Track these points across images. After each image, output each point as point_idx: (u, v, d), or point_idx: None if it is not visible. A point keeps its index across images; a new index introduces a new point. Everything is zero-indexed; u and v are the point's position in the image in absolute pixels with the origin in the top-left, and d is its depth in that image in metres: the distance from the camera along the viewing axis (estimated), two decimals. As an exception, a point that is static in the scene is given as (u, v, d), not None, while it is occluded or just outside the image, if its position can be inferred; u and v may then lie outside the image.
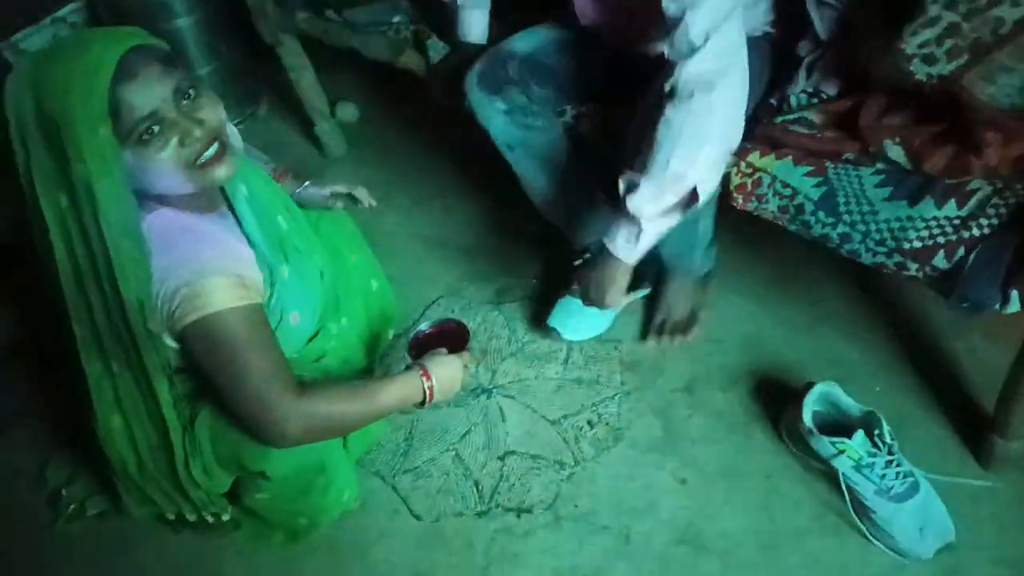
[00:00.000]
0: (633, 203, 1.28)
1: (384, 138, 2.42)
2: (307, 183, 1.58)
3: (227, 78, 2.34)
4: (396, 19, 1.83)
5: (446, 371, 1.32)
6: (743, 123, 1.27)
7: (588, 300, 1.48)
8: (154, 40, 1.11)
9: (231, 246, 1.22)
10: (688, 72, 1.20)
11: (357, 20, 1.86)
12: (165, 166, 1.10)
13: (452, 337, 1.42)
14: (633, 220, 1.30)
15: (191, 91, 1.11)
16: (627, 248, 1.34)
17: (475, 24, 1.69)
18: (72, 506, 1.60)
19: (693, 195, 1.26)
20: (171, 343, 1.18)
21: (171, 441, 1.29)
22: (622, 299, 1.46)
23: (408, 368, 1.32)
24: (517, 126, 1.56)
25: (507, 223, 2.05)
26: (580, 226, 1.71)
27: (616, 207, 1.34)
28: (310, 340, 1.44)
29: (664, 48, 1.25)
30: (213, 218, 1.24)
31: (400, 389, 1.27)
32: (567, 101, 1.62)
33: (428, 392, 1.29)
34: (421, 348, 1.41)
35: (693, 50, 1.19)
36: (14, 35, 2.20)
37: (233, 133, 1.22)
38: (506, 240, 2.03)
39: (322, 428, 1.21)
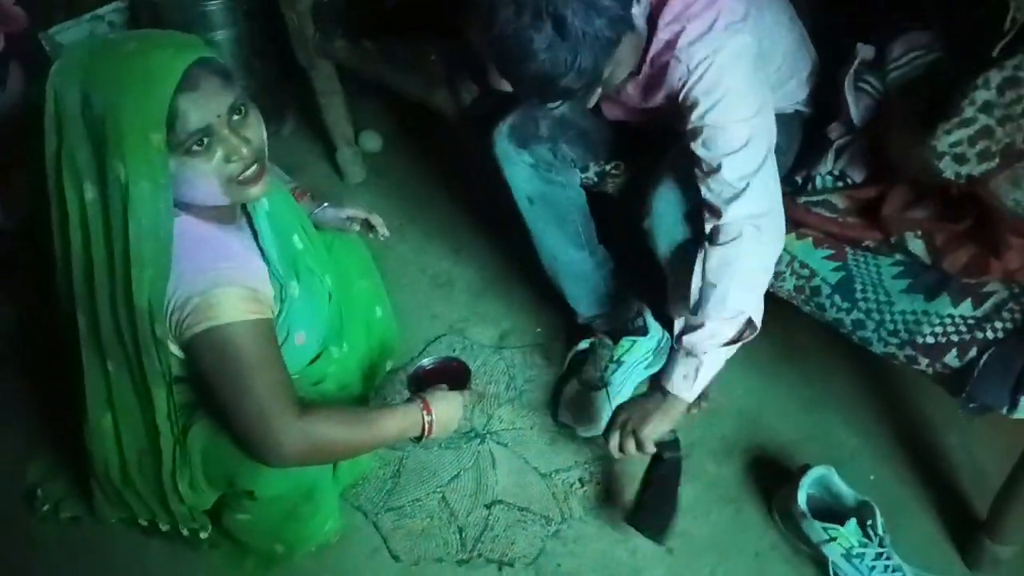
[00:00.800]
0: (691, 340, 1.28)
1: (404, 170, 2.43)
2: (326, 204, 1.59)
3: (257, 94, 2.34)
4: (432, 58, 1.85)
5: (447, 407, 1.31)
6: (782, 245, 1.30)
7: (621, 428, 1.37)
8: (214, 53, 1.13)
9: (247, 259, 1.22)
10: (735, 216, 1.23)
11: (394, 54, 1.88)
12: (207, 179, 1.11)
13: (453, 376, 1.41)
14: (690, 356, 1.29)
15: (243, 108, 1.12)
16: (685, 385, 1.30)
17: None
18: (46, 506, 1.58)
19: (749, 323, 1.28)
20: (176, 351, 1.17)
21: (160, 449, 1.27)
22: (665, 435, 1.36)
23: (409, 400, 1.31)
24: (540, 179, 1.57)
25: (517, 269, 2.04)
26: (585, 296, 1.73)
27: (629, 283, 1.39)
28: (311, 362, 1.43)
29: (702, 190, 1.27)
30: (231, 230, 1.24)
31: (400, 420, 1.27)
32: (593, 159, 1.63)
33: (427, 426, 1.28)
34: (421, 384, 1.40)
35: (735, 195, 1.22)
36: (52, 27, 2.22)
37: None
38: (514, 286, 2.03)
39: (319, 451, 1.20)
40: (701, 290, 1.27)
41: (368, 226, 1.60)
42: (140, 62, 1.04)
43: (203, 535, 1.43)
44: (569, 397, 1.71)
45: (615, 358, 1.67)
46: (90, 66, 1.07)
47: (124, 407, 1.27)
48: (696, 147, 1.25)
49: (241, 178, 1.14)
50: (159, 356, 1.17)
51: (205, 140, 1.09)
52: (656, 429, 1.33)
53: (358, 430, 1.23)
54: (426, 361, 1.47)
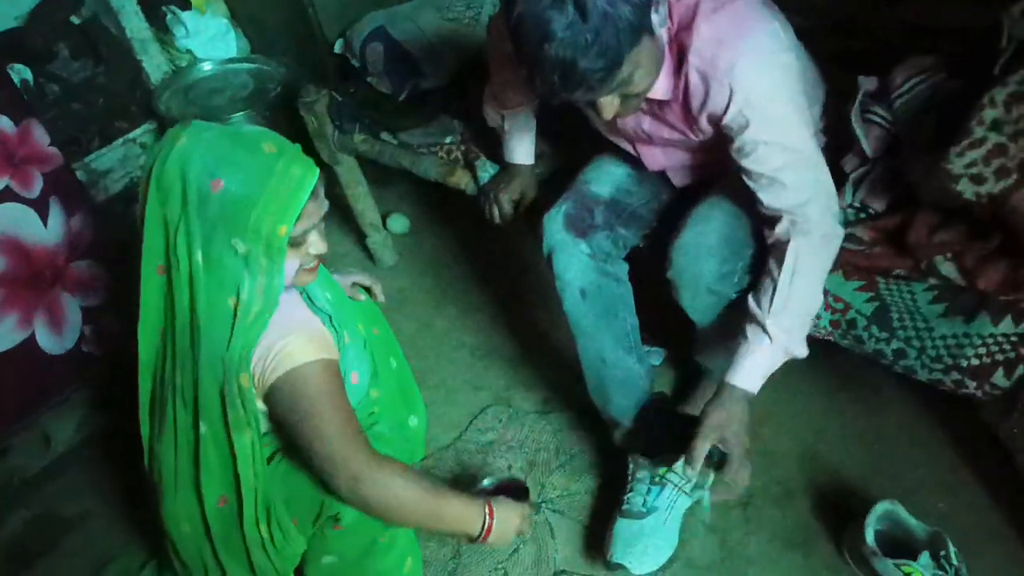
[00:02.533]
0: (775, 330, 1.29)
1: (433, 249, 2.49)
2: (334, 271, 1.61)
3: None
4: (448, 140, 1.91)
5: (508, 515, 1.35)
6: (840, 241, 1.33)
7: (726, 442, 1.35)
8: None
9: (307, 315, 1.34)
10: (806, 216, 1.27)
11: (411, 142, 1.94)
12: (292, 264, 1.24)
13: (513, 495, 1.42)
14: (763, 348, 1.30)
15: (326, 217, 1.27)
16: (752, 377, 1.33)
17: (521, 148, 1.74)
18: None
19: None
20: (261, 405, 1.26)
21: (242, 498, 1.31)
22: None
23: (476, 495, 1.35)
24: (596, 270, 1.53)
25: (554, 333, 2.06)
26: (633, 406, 1.63)
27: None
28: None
29: (759, 199, 1.30)
30: (286, 296, 1.32)
31: (464, 510, 1.30)
32: (647, 233, 1.62)
33: (486, 527, 1.31)
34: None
35: (803, 202, 1.26)
36: (87, 156, 2.34)
37: None
38: (553, 350, 2.04)
39: (383, 504, 1.24)
40: (776, 285, 1.28)
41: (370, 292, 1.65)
42: (284, 168, 1.17)
43: None
44: (617, 534, 1.54)
45: (656, 477, 1.54)
46: (227, 153, 1.16)
47: (208, 464, 1.31)
48: (748, 163, 1.26)
49: (311, 267, 1.29)
50: (243, 404, 1.24)
51: (306, 237, 1.23)
52: (746, 436, 1.35)
53: (423, 499, 1.26)
54: (487, 482, 1.49)
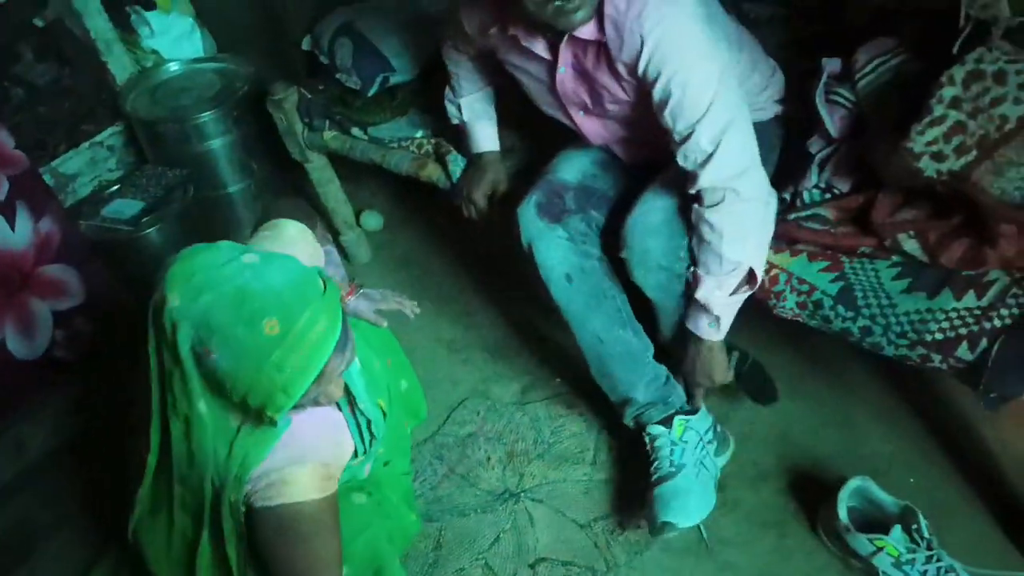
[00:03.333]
0: (701, 295, 1.38)
1: (407, 244, 2.49)
2: (359, 292, 1.54)
3: (257, 193, 2.43)
4: (418, 134, 1.91)
5: None
6: (775, 201, 1.37)
7: (699, 385, 1.56)
8: (339, 310, 1.11)
9: (326, 426, 1.25)
10: (710, 179, 1.30)
11: (381, 137, 1.94)
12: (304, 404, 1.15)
13: None
14: (707, 310, 1.40)
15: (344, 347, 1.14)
16: (713, 331, 1.43)
17: (484, 137, 1.76)
18: None
19: (752, 275, 1.36)
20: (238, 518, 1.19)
21: None
22: (729, 372, 1.54)
23: None
24: (577, 253, 1.55)
25: (530, 324, 2.07)
26: (640, 379, 1.61)
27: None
28: None
29: (678, 159, 1.32)
30: None
31: None
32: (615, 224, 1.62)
33: None
34: None
35: (708, 158, 1.28)
36: (54, 159, 2.31)
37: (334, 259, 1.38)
38: (529, 342, 2.05)
39: None
40: (699, 250, 1.37)
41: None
42: (281, 357, 1.03)
43: None
44: (656, 500, 1.52)
45: (675, 440, 1.55)
46: (218, 324, 1.04)
47: (203, 562, 1.28)
48: (666, 119, 1.30)
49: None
50: (233, 518, 1.19)
51: (319, 393, 1.12)
52: (721, 372, 1.51)
53: None
54: None
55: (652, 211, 1.44)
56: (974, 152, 1.24)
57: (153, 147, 2.36)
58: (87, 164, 2.40)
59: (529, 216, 1.55)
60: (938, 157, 1.25)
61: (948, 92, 1.24)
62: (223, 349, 1.03)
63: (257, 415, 1.09)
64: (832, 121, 1.46)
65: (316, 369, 1.06)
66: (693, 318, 1.45)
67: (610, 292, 1.58)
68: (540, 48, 1.40)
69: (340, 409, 1.32)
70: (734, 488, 1.63)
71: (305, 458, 1.16)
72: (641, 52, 1.27)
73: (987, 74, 1.23)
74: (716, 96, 1.26)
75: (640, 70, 1.30)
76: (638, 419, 1.62)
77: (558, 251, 1.54)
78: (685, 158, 1.31)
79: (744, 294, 1.39)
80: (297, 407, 1.12)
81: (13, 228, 1.77)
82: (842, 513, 1.41)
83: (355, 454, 1.34)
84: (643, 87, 1.33)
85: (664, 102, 1.29)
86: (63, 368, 1.91)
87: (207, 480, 1.17)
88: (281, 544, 1.16)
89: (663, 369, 1.62)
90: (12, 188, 1.75)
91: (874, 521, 1.43)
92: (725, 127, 1.27)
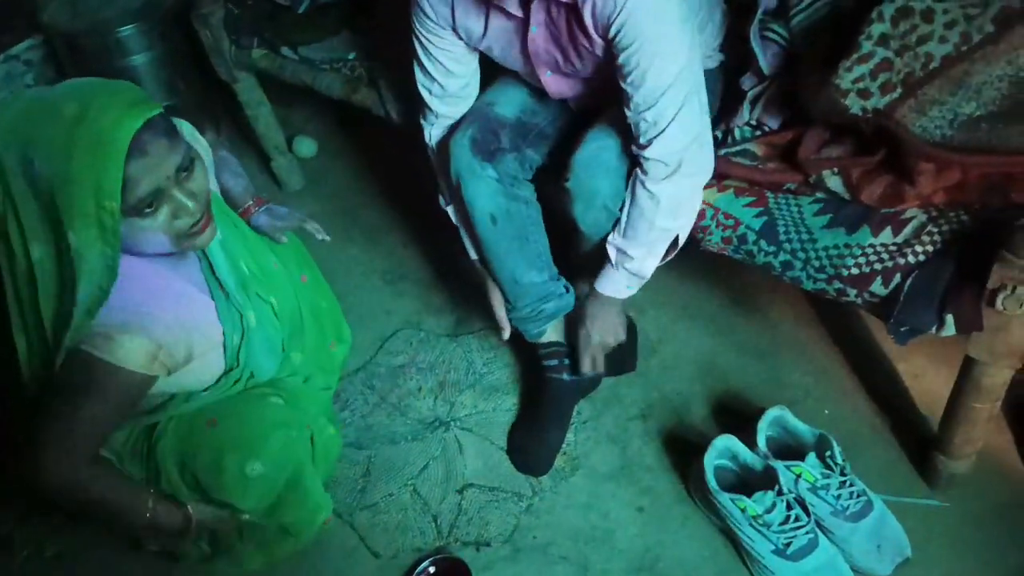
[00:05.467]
0: (631, 265, 1.44)
1: (341, 173, 2.43)
2: (264, 207, 1.53)
3: (184, 113, 2.32)
4: (351, 56, 1.85)
5: (206, 511, 1.34)
6: (711, 171, 1.38)
7: (603, 344, 1.59)
8: (155, 106, 1.10)
9: (179, 302, 1.24)
10: (657, 152, 1.31)
11: (313, 57, 1.87)
12: (155, 235, 1.13)
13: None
14: (633, 274, 1.45)
15: (189, 165, 1.13)
16: (629, 291, 1.50)
17: None
18: (26, 551, 1.58)
19: (675, 241, 1.42)
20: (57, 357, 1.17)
21: None
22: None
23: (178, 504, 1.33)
24: (504, 195, 1.52)
25: (463, 258, 2.06)
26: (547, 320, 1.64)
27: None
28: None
29: (630, 124, 1.33)
30: (170, 262, 1.25)
31: (150, 505, 1.28)
32: (552, 152, 1.61)
33: (186, 521, 1.32)
34: None
35: (660, 132, 1.29)
36: (-34, 73, 2.20)
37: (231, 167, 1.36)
38: (463, 273, 2.04)
39: (74, 500, 1.21)
40: (630, 215, 1.39)
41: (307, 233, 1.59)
42: (86, 132, 1.02)
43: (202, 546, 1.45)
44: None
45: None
46: (29, 131, 1.04)
47: None
48: (626, 87, 1.29)
49: (190, 231, 1.16)
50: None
51: (154, 202, 1.10)
52: (623, 328, 1.59)
53: (114, 494, 1.25)
54: (427, 563, 1.47)
55: (605, 150, 1.41)
56: (899, 90, 1.25)
57: (73, 62, 2.24)
58: (2, 79, 2.29)
59: (461, 150, 1.51)
60: (864, 94, 1.25)
61: (877, 29, 1.24)
62: (38, 150, 1.03)
63: (99, 238, 1.07)
64: (765, 58, 1.45)
65: (123, 138, 1.02)
66: (610, 281, 1.48)
67: (533, 237, 1.58)
68: (513, 7, 1.35)
69: (214, 300, 1.31)
70: (658, 417, 1.67)
71: (140, 330, 1.15)
72: (614, 18, 1.24)
73: (915, 12, 1.23)
74: (679, 76, 1.26)
75: (611, 34, 1.27)
76: (543, 348, 1.67)
77: (486, 190, 1.51)
78: (636, 127, 1.31)
79: (661, 257, 1.44)
80: (148, 239, 1.13)
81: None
82: (761, 441, 1.45)
83: (225, 351, 1.32)
84: (612, 51, 1.30)
85: (628, 72, 1.28)
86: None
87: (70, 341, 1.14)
88: (73, 388, 1.15)
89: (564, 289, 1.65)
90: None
91: (791, 449, 1.48)
92: (681, 104, 1.27)
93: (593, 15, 1.27)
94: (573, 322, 1.62)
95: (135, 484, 1.32)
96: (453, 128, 1.56)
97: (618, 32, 1.25)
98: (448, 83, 1.53)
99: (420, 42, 1.49)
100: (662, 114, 1.28)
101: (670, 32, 1.25)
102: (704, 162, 1.36)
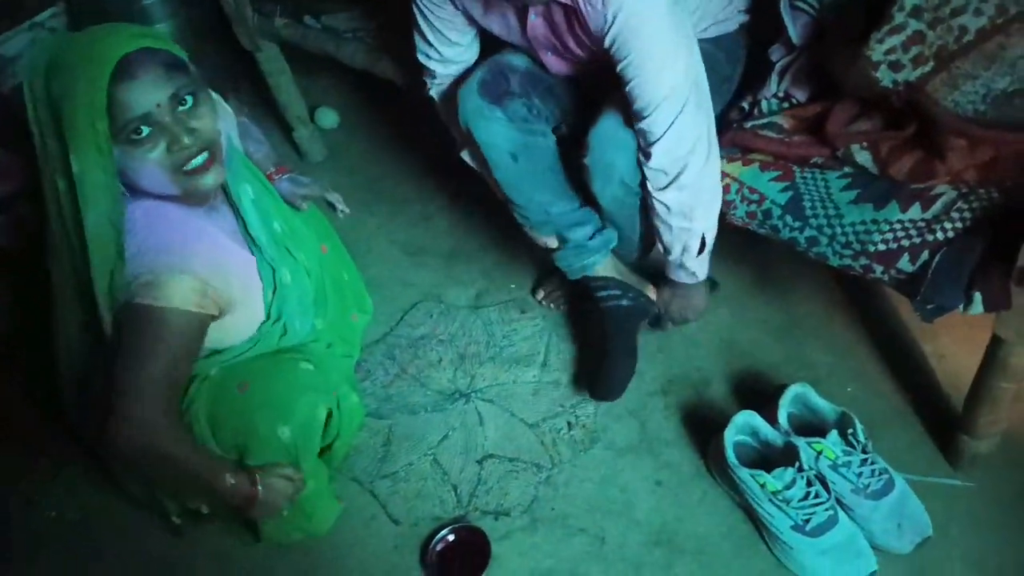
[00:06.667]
0: (674, 258, 1.51)
1: (364, 144, 2.43)
2: (287, 175, 1.55)
3: (207, 82, 2.34)
4: (374, 25, 1.84)
5: (275, 492, 1.32)
6: (718, 174, 1.40)
7: (683, 321, 1.68)
8: (168, 44, 1.13)
9: (215, 245, 1.24)
10: (658, 160, 1.33)
11: (336, 26, 1.87)
12: (150, 168, 1.13)
13: (474, 545, 1.47)
14: (679, 266, 1.53)
15: (188, 98, 1.13)
16: (693, 278, 1.56)
17: None
18: (52, 512, 1.61)
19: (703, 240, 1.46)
20: (107, 315, 1.18)
21: None
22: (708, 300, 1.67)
23: (246, 470, 1.31)
24: (519, 130, 1.50)
25: (486, 229, 2.06)
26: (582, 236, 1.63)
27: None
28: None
29: (636, 131, 1.35)
30: (200, 213, 1.26)
31: (229, 478, 1.27)
32: (562, 114, 1.60)
33: (250, 499, 1.30)
34: (442, 557, 1.47)
35: (658, 139, 1.31)
36: (-8, 40, 2.20)
37: (231, 133, 1.34)
38: (485, 246, 2.05)
39: (154, 458, 1.20)
40: (650, 218, 1.44)
41: (330, 205, 1.60)
42: (87, 51, 1.06)
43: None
44: None
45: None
46: (51, 57, 1.09)
47: None
48: (627, 90, 1.30)
49: (188, 168, 1.15)
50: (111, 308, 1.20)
51: (144, 129, 1.10)
52: (704, 305, 1.65)
53: (196, 458, 1.25)
54: (446, 531, 1.49)
55: (621, 126, 1.39)
56: (931, 63, 1.23)
57: (114, 23, 2.24)
58: (27, 46, 2.28)
59: (469, 94, 1.48)
60: (895, 67, 1.23)
61: (909, 1, 1.22)
62: (55, 74, 1.08)
63: (96, 165, 1.09)
64: (795, 28, 1.43)
65: (111, 57, 1.05)
66: (673, 272, 1.55)
67: (556, 167, 1.57)
68: None
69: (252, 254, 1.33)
70: (678, 392, 1.67)
71: (183, 268, 1.15)
72: (607, 29, 1.25)
73: (950, -18, 1.21)
74: (675, 88, 1.27)
75: (606, 45, 1.28)
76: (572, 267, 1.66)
77: (500, 130, 1.49)
78: (640, 132, 1.33)
79: (708, 250, 1.48)
80: (152, 177, 1.14)
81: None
82: (782, 417, 1.44)
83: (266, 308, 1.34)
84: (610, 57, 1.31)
85: (626, 82, 1.29)
86: (6, 256, 1.86)
87: (99, 287, 1.16)
88: (138, 342, 1.15)
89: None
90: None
91: (812, 426, 1.47)
92: (678, 113, 1.28)
93: (588, 22, 1.28)
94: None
95: (208, 450, 1.31)
96: (461, 79, 1.55)
97: (612, 44, 1.27)
98: (446, 51, 1.54)
99: (420, 10, 1.48)
100: (658, 124, 1.29)
101: (663, 43, 1.25)
102: (707, 168, 1.36)
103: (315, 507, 1.46)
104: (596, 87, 1.53)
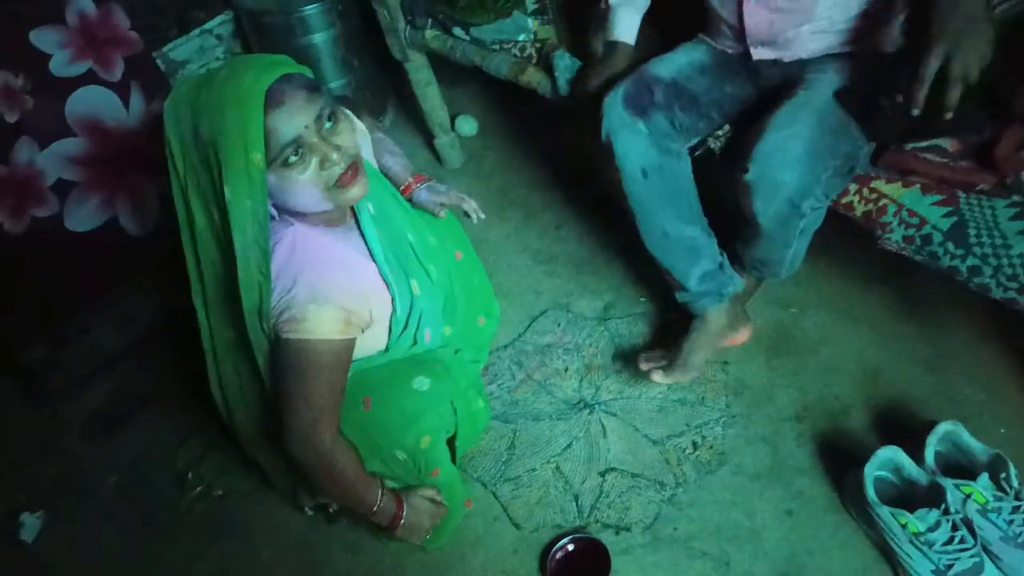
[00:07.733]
0: None
1: (500, 152, 2.48)
2: (424, 184, 1.59)
3: (357, 90, 2.45)
4: (521, 37, 1.87)
5: (417, 516, 1.43)
6: None
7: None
8: (300, 67, 1.20)
9: (356, 270, 1.31)
10: None
11: (483, 38, 1.91)
12: (307, 187, 1.19)
13: (592, 556, 1.47)
14: None
15: (331, 117, 1.19)
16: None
17: (627, 24, 1.65)
18: (199, 488, 1.71)
19: None
20: (253, 333, 1.28)
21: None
22: None
23: (393, 492, 1.42)
24: (657, 149, 1.51)
25: (617, 241, 2.05)
26: (697, 272, 1.62)
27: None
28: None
29: None
30: (339, 234, 1.34)
31: (376, 499, 1.37)
32: (705, 124, 1.59)
33: (394, 521, 1.40)
34: (562, 566, 1.48)
35: None
36: (166, 45, 2.37)
37: (388, 147, 1.42)
38: (616, 258, 2.04)
39: (325, 468, 1.30)
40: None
41: (465, 213, 1.63)
42: (232, 89, 1.12)
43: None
44: None
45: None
46: (195, 99, 1.15)
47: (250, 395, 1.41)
48: None
49: (338, 183, 1.21)
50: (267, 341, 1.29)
51: (299, 151, 1.17)
52: None
53: (353, 477, 1.33)
54: (568, 542, 1.50)
55: (792, 139, 1.33)
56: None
57: (258, 38, 2.39)
58: (196, 52, 2.45)
59: (614, 106, 1.51)
60: (1078, 92, 1.16)
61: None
62: (202, 116, 1.13)
63: (248, 194, 1.15)
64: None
65: (259, 89, 1.10)
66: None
67: (686, 190, 1.56)
68: None
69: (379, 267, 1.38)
70: (813, 419, 1.61)
71: (327, 300, 1.23)
72: None
73: None
74: None
75: None
76: (689, 306, 1.67)
77: (638, 145, 1.50)
78: None
79: None
80: (300, 194, 1.20)
81: (127, 108, 1.84)
82: (929, 456, 1.37)
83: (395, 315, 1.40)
84: None
85: None
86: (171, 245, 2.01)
87: (246, 303, 1.24)
88: (292, 373, 1.24)
89: (721, 258, 1.63)
90: (127, 69, 1.81)
91: (961, 467, 1.39)
92: None
93: None
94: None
95: (365, 470, 1.39)
96: (605, 91, 1.56)
97: None
98: None
99: None
100: None
101: None
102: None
103: (448, 523, 1.52)
104: (769, 89, 1.51)
